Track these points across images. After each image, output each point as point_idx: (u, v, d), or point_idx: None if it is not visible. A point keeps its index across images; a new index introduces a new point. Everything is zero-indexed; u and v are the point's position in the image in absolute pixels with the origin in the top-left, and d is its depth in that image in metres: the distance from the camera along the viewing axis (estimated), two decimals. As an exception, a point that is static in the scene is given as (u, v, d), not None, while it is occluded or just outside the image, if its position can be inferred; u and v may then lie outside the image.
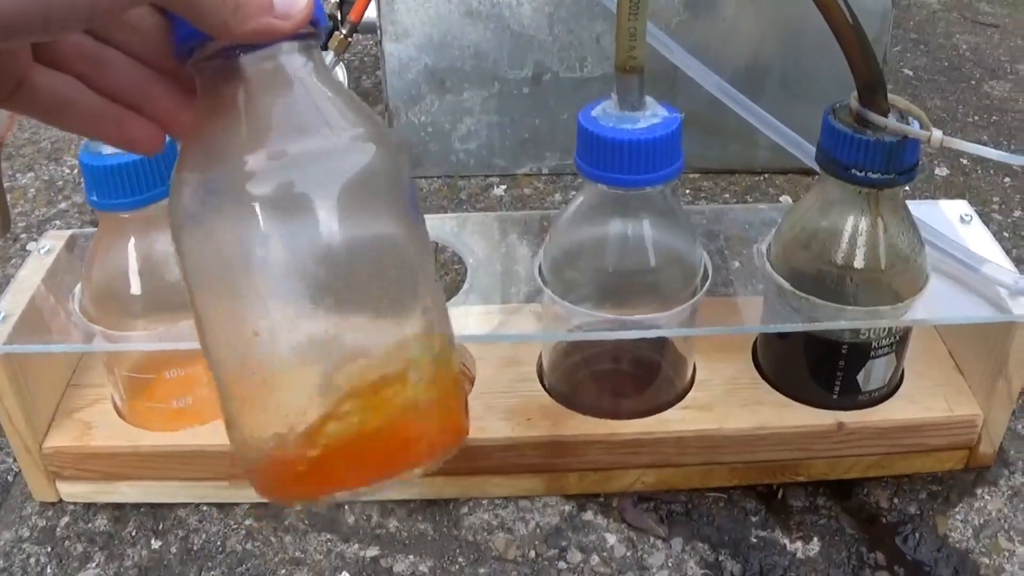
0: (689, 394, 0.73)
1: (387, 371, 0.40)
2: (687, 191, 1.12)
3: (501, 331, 0.71)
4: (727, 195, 1.12)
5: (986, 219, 1.05)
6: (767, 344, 0.74)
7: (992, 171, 1.16)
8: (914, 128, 0.62)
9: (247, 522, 0.73)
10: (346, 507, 0.74)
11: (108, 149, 0.64)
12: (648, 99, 0.62)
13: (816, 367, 0.71)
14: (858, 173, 0.64)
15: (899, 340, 0.69)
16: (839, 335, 0.68)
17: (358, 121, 0.38)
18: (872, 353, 0.69)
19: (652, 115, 0.63)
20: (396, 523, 0.73)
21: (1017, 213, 1.08)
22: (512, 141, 1.08)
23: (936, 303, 0.69)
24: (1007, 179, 1.14)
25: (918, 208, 0.75)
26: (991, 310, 0.69)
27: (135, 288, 0.68)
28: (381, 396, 0.40)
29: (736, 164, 1.13)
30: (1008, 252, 0.93)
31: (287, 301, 0.39)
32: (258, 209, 0.37)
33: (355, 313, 0.40)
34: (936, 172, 1.17)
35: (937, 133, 0.61)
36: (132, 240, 0.68)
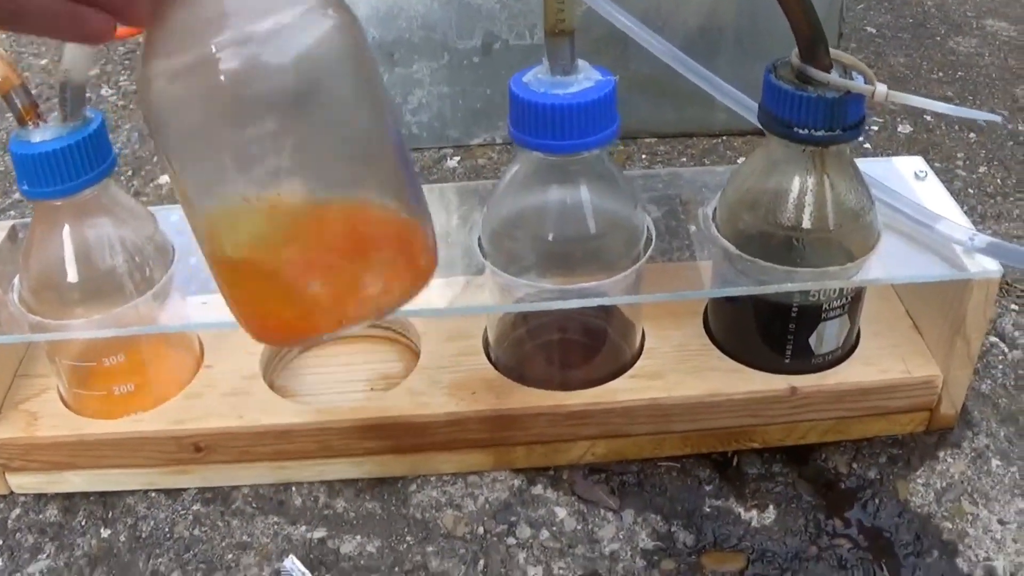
0: (638, 362, 0.71)
1: (348, 207, 0.46)
2: (643, 155, 1.10)
3: (443, 305, 0.69)
4: (684, 159, 1.10)
5: (950, 175, 1.03)
6: (717, 309, 0.73)
7: (956, 127, 1.13)
8: (858, 83, 0.60)
9: (195, 507, 0.72)
10: (293, 489, 0.72)
11: (37, 136, 0.62)
12: (581, 62, 0.60)
13: (767, 331, 0.69)
14: (801, 131, 0.62)
15: (852, 301, 0.67)
16: (788, 298, 0.66)
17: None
18: (823, 315, 0.67)
19: (585, 78, 0.61)
20: (344, 503, 0.71)
21: (982, 169, 1.06)
22: (464, 112, 1.06)
23: (889, 262, 0.67)
24: (971, 135, 1.12)
25: (872, 165, 0.74)
26: (946, 268, 0.67)
27: (72, 276, 0.66)
28: (346, 236, 0.45)
29: (693, 127, 1.11)
30: (973, 209, 0.92)
31: (257, 155, 0.43)
32: (227, 83, 0.40)
33: (320, 163, 0.45)
34: (899, 129, 1.15)
35: (882, 87, 0.59)
36: (66, 228, 0.66)
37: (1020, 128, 1.13)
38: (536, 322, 0.73)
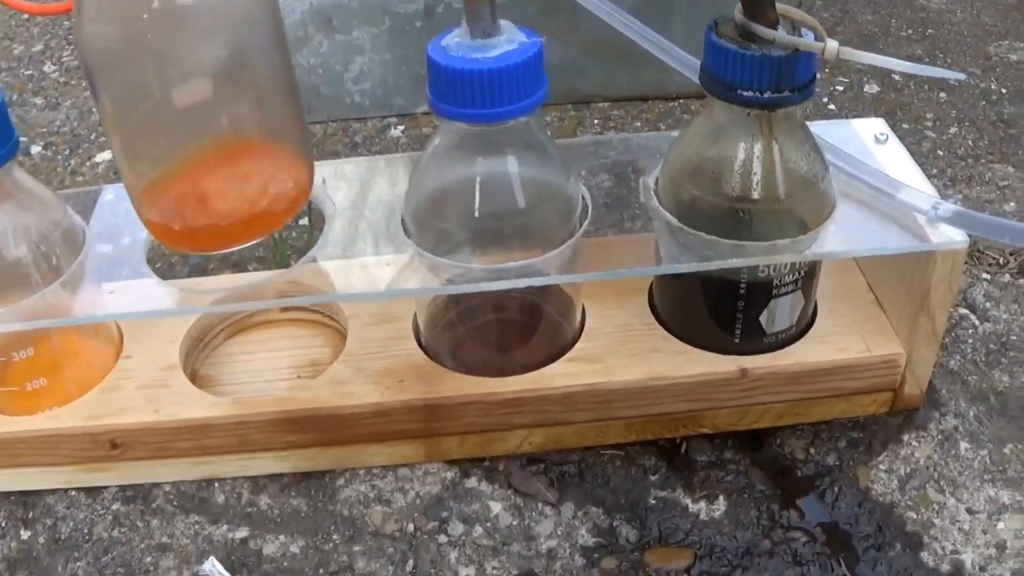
0: (577, 345, 0.66)
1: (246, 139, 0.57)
2: (595, 121, 1.05)
3: (364, 288, 0.63)
4: (638, 123, 1.05)
5: (919, 137, 0.98)
6: (662, 286, 0.68)
7: (926, 87, 1.09)
8: (806, 40, 0.55)
9: (115, 506, 0.67)
10: (215, 485, 0.68)
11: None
12: (504, 23, 0.56)
13: (714, 309, 0.64)
14: (745, 93, 0.57)
15: (805, 276, 0.62)
16: (736, 274, 0.61)
17: None
18: (775, 292, 0.62)
19: (508, 41, 0.56)
20: (268, 500, 0.67)
21: (953, 130, 1.01)
22: (408, 79, 1.02)
23: (845, 234, 0.62)
24: (942, 95, 1.07)
25: (828, 128, 0.70)
26: (907, 239, 0.62)
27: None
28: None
29: (649, 90, 1.06)
30: (943, 172, 0.87)
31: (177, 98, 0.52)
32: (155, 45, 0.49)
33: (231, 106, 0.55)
34: (865, 89, 1.10)
35: (832, 44, 0.54)
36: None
37: (993, 87, 1.09)
38: (467, 304, 0.68)
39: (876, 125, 0.71)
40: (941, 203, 0.61)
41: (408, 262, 0.62)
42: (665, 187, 0.62)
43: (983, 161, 0.96)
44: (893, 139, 0.69)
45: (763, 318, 0.64)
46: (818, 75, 1.08)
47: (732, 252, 0.59)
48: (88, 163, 1.06)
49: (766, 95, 0.57)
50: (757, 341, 0.66)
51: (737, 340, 0.65)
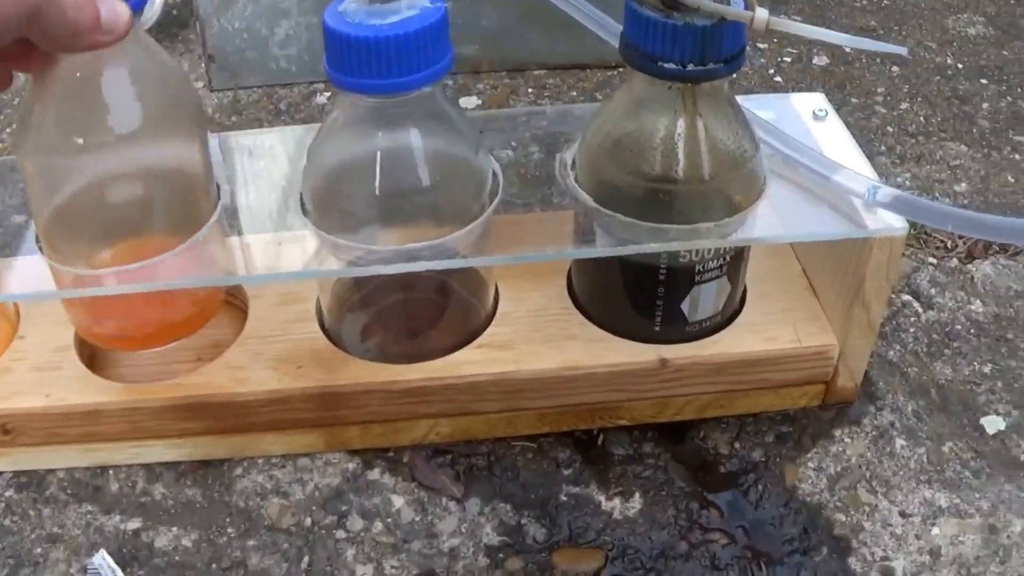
0: (488, 330, 0.62)
1: None
2: (530, 90, 1.01)
3: (258, 269, 0.59)
4: (574, 92, 1.01)
5: (868, 112, 0.94)
6: (580, 270, 0.64)
7: (879, 60, 1.05)
8: (734, 8, 0.51)
9: (7, 493, 0.63)
10: (110, 473, 0.64)
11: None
12: None
13: (634, 296, 0.60)
14: (667, 65, 0.53)
15: (731, 261, 0.58)
16: (655, 259, 0.57)
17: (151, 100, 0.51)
18: (697, 278, 0.58)
19: (409, 6, 0.52)
20: (162, 490, 0.63)
21: (904, 106, 0.97)
22: (336, 44, 0.95)
23: (774, 218, 0.58)
24: (895, 68, 1.03)
25: (764, 103, 0.66)
26: (840, 225, 0.58)
27: None
28: None
29: (588, 59, 1.02)
30: (891, 149, 0.83)
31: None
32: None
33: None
34: (815, 61, 1.06)
35: (762, 13, 0.50)
36: None
37: (948, 62, 1.05)
38: (372, 285, 0.63)
39: (815, 100, 0.67)
40: (880, 186, 0.58)
41: (308, 242, 0.58)
42: (583, 165, 0.58)
43: (935, 139, 0.93)
44: (833, 115, 0.65)
45: (685, 305, 0.60)
46: (765, 46, 1.04)
47: (650, 236, 0.55)
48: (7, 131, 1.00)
49: (689, 68, 0.53)
50: (679, 329, 0.62)
51: (658, 328, 0.61)
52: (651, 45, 0.53)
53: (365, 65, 0.52)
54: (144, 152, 0.52)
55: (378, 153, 0.55)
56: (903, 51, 0.54)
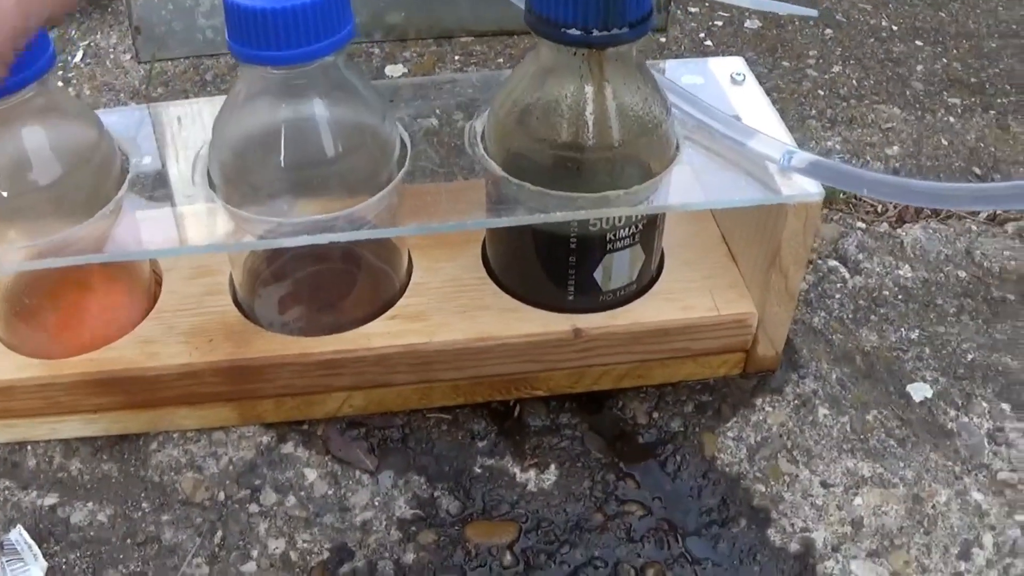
0: (399, 301, 0.61)
1: None
2: (457, 57, 1.00)
3: (162, 243, 0.58)
4: (501, 59, 1.00)
5: (799, 76, 0.93)
6: (494, 239, 0.63)
7: (812, 22, 1.03)
8: (637, -28, 0.49)
9: (-70, 470, 0.61)
10: (28, 448, 0.63)
11: None
12: None
13: (546, 265, 0.60)
14: (571, 32, 0.52)
15: (644, 229, 0.58)
16: (566, 228, 0.56)
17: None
18: (609, 246, 0.58)
19: None
20: (79, 465, 0.62)
21: (836, 69, 0.96)
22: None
23: (687, 185, 0.58)
24: (828, 31, 1.03)
25: (680, 67, 0.65)
26: (755, 191, 0.57)
27: None
28: None
29: (515, 25, 1.01)
30: (822, 113, 0.82)
31: None
32: None
33: None
34: (746, 25, 1.05)
35: (666, -23, 0.48)
36: None
37: (884, 24, 1.04)
38: (283, 257, 0.62)
39: (734, 64, 0.66)
40: (795, 151, 0.57)
41: (220, 215, 0.57)
42: (492, 134, 0.57)
43: (867, 102, 0.92)
44: (751, 80, 0.64)
45: (598, 274, 0.59)
46: (697, 10, 1.03)
47: (558, 204, 0.55)
48: None
49: (593, 34, 0.52)
50: (593, 299, 0.61)
51: (571, 298, 0.61)
52: (555, 12, 0.52)
53: (264, 37, 0.51)
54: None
55: (282, 125, 0.54)
56: (813, 13, 0.53)
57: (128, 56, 1.01)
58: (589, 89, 0.54)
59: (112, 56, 1.01)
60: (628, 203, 0.55)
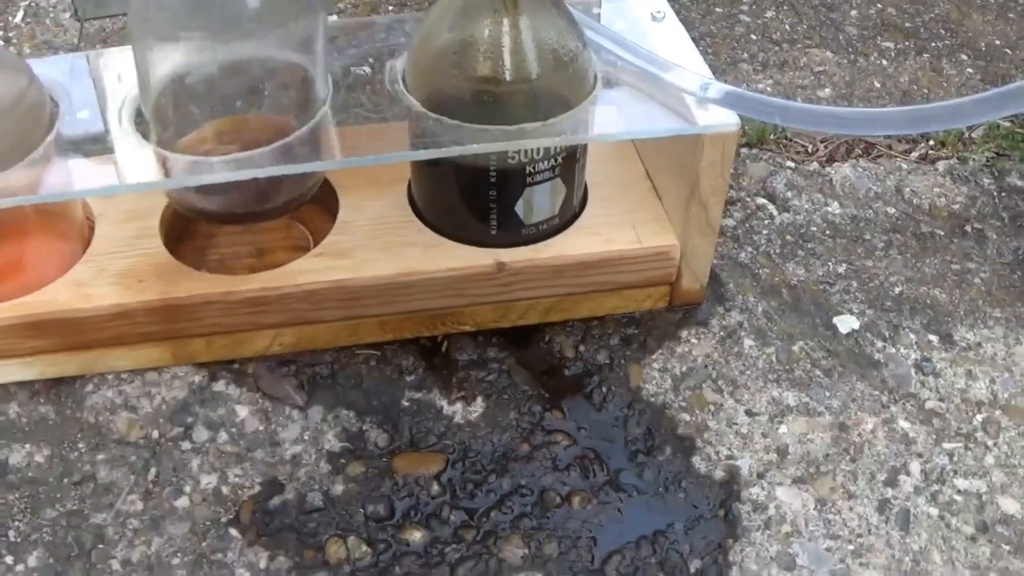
0: (325, 239, 0.61)
1: None
2: (391, 7, 1.00)
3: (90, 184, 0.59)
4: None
5: (732, 21, 0.95)
6: (418, 176, 0.64)
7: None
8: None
9: None
10: (-37, 396, 0.62)
11: None
12: None
13: (468, 200, 0.61)
14: (485, -36, 0.52)
15: (563, 163, 0.58)
16: (484, 160, 0.57)
17: None
18: (528, 179, 0.59)
19: None
20: (16, 408, 0.63)
21: (769, 14, 0.97)
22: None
23: (604, 117, 0.59)
24: (763, -24, 1.03)
25: (601, 5, 0.66)
26: (671, 121, 0.58)
27: None
28: None
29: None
30: (754, 56, 0.84)
31: None
32: None
33: None
34: (682, -29, 1.05)
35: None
36: None
37: (817, -31, 1.04)
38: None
39: (654, 2, 0.66)
40: (711, 83, 0.58)
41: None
42: (411, 71, 0.59)
43: (799, 46, 0.93)
44: (671, 16, 0.65)
45: (519, 208, 0.60)
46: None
47: (475, 137, 0.56)
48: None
49: (506, -34, 0.52)
50: (515, 233, 0.62)
51: (494, 232, 0.62)
52: (469, -56, 0.52)
53: None
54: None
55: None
56: None
57: (68, 15, 1.01)
58: (505, 22, 0.55)
59: (52, 15, 1.02)
60: (546, 135, 0.56)
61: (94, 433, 0.62)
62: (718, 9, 0.97)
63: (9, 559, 0.55)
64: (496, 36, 0.55)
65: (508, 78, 0.55)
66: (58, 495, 0.59)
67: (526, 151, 0.57)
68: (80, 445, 0.61)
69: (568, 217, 0.63)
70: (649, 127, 0.58)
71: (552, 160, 0.58)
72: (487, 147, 0.55)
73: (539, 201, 0.60)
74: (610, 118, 0.58)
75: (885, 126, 0.58)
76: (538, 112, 0.56)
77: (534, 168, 0.58)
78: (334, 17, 0.97)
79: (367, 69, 0.63)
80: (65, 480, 0.59)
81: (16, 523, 0.57)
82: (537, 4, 0.55)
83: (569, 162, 0.59)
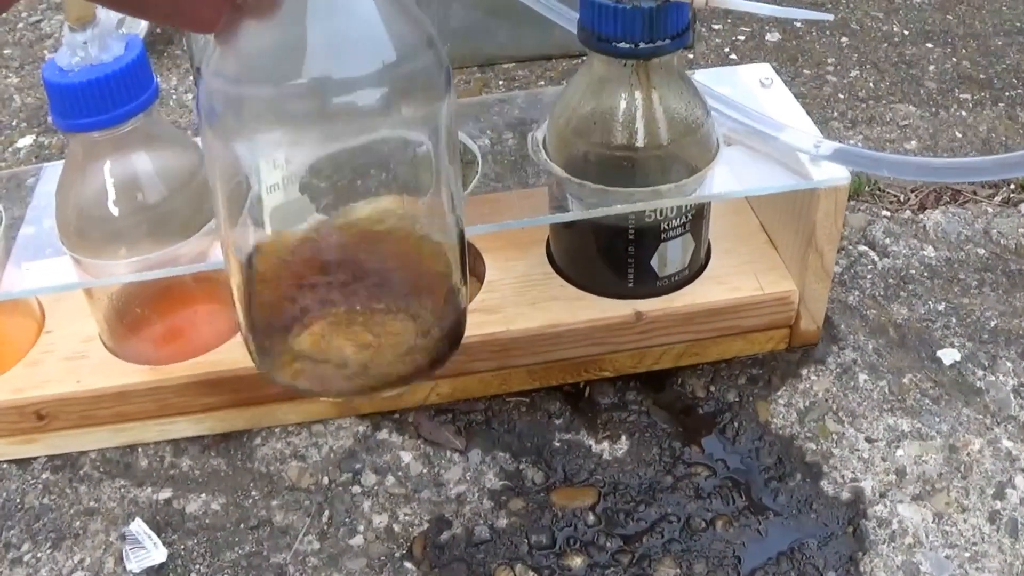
0: (477, 296, 0.67)
1: None
2: (501, 81, 1.07)
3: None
4: (543, 82, 1.07)
5: (820, 82, 1.00)
6: (557, 236, 0.70)
7: (828, 32, 1.11)
8: (676, -10, 0.56)
9: (44, 476, 0.69)
10: (139, 450, 0.69)
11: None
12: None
13: (607, 256, 0.66)
14: (620, 45, 0.59)
15: (693, 219, 0.64)
16: (624, 220, 0.63)
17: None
18: (663, 235, 0.64)
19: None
20: (189, 462, 0.69)
21: (854, 73, 1.03)
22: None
23: (729, 177, 0.64)
24: (844, 39, 1.09)
25: (715, 75, 0.72)
26: (789, 178, 0.64)
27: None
28: None
29: (554, 50, 1.08)
30: (843, 115, 0.89)
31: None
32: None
33: None
34: (767, 38, 1.12)
35: (702, -8, 0.55)
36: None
37: (895, 29, 1.11)
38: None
39: (762, 70, 0.73)
40: (822, 141, 0.64)
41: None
42: (552, 141, 0.64)
43: (884, 102, 0.98)
44: (778, 83, 0.71)
45: (654, 262, 0.66)
46: (720, 26, 1.10)
47: (617, 199, 0.61)
48: (10, 149, 1.05)
49: (640, 46, 0.59)
50: (651, 285, 0.68)
51: (631, 284, 0.67)
52: (605, 28, 0.59)
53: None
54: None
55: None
56: (828, 17, 0.61)
57: (190, 96, 1.08)
58: (639, 95, 0.61)
59: (175, 96, 1.08)
60: (679, 194, 0.62)
61: (266, 482, 0.67)
62: (806, 71, 1.03)
63: (195, 598, 0.60)
64: (631, 108, 0.60)
65: (643, 144, 0.61)
66: (236, 539, 0.64)
67: (662, 210, 0.62)
68: (254, 493, 0.66)
69: (696, 269, 0.69)
70: (771, 183, 0.64)
71: (684, 217, 0.64)
72: (629, 207, 0.61)
73: (672, 255, 0.66)
74: (734, 177, 0.64)
75: (976, 173, 0.64)
76: (669, 174, 0.62)
77: (668, 225, 0.64)
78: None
79: (485, 140, 0.69)
80: (242, 525, 0.64)
81: (197, 566, 0.63)
82: (666, 77, 0.61)
83: (698, 219, 0.65)
